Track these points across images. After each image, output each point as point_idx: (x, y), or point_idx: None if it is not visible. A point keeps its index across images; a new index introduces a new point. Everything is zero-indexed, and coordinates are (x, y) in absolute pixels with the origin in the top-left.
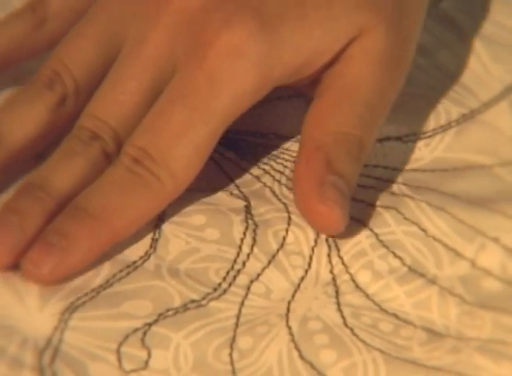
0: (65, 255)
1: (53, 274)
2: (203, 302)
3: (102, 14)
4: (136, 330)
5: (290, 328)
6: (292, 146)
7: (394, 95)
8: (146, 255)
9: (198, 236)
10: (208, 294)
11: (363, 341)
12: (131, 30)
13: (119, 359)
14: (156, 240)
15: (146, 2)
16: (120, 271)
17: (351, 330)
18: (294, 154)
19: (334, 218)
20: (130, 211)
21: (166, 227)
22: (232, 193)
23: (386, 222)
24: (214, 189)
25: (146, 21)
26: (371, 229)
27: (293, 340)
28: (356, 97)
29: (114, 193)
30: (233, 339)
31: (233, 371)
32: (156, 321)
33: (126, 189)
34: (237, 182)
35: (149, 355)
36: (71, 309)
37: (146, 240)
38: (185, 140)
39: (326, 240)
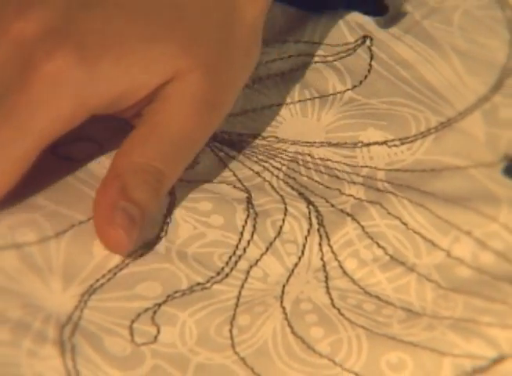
0: None
1: None
2: (208, 285)
3: None
4: (147, 309)
5: (284, 308)
6: (289, 147)
7: (205, 135)
8: (158, 238)
9: (204, 222)
10: (212, 277)
11: (348, 320)
12: None
13: (131, 334)
14: (168, 223)
15: None
16: (135, 251)
17: (338, 310)
18: (290, 154)
19: (118, 241)
20: None
21: (177, 212)
22: (235, 186)
23: (371, 216)
24: (220, 183)
25: None
26: (358, 222)
27: (286, 318)
28: (164, 134)
29: None
30: (233, 317)
31: (233, 345)
32: (165, 302)
33: None
34: (240, 176)
35: (158, 331)
36: (90, 291)
37: (158, 224)
38: (3, 155)
39: (318, 230)
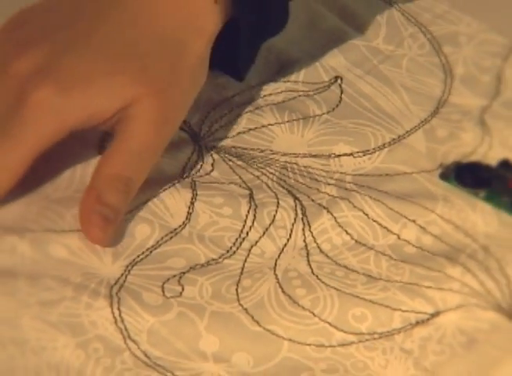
0: None
1: None
2: (220, 260)
3: None
4: (175, 276)
5: (276, 275)
6: (280, 158)
7: (162, 146)
8: (183, 224)
9: (218, 212)
10: (223, 254)
11: (324, 283)
12: None
13: (163, 291)
14: (191, 213)
15: None
16: (166, 235)
17: (316, 276)
18: (281, 163)
19: (95, 237)
20: None
21: (197, 205)
22: (240, 186)
23: (341, 209)
24: (229, 183)
25: None
26: (331, 213)
27: (278, 282)
28: (128, 148)
29: None
30: (239, 281)
31: (238, 299)
32: (187, 271)
33: None
34: (244, 179)
35: (183, 289)
36: (133, 264)
37: (184, 213)
38: (3, 163)
39: (302, 219)
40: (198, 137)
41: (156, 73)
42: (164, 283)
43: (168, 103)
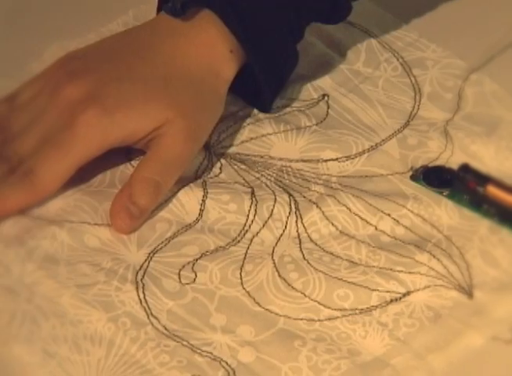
0: None
1: None
2: (227, 247)
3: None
4: (189, 262)
5: (273, 260)
6: (277, 162)
7: (188, 158)
8: (196, 220)
9: (225, 208)
10: (229, 243)
11: (313, 267)
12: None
13: (179, 277)
14: (203, 210)
15: (52, 97)
16: (182, 228)
17: (307, 261)
18: (278, 166)
19: (119, 228)
20: (17, 199)
21: (208, 202)
22: (244, 185)
23: (328, 204)
24: (234, 183)
25: (49, 101)
26: (320, 208)
27: (275, 267)
28: (160, 158)
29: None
30: (242, 265)
31: (241, 283)
32: (200, 258)
33: (14, 184)
34: (247, 179)
35: (196, 275)
36: (154, 251)
37: (197, 210)
38: (53, 165)
39: (295, 212)
40: (208, 145)
41: (183, 101)
42: (180, 271)
43: (193, 124)
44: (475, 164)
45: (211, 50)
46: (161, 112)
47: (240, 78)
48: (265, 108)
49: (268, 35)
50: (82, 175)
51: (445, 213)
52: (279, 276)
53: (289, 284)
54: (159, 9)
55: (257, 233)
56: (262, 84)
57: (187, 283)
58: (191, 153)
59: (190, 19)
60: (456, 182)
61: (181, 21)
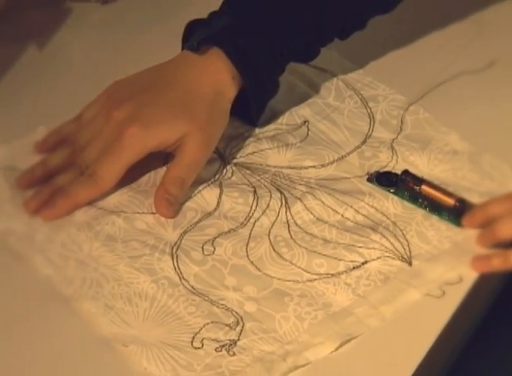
0: (55, 209)
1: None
2: (236, 229)
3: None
4: (210, 240)
5: (269, 239)
6: (271, 169)
7: (203, 161)
8: (215, 209)
9: (235, 201)
10: (238, 226)
11: (298, 244)
12: (103, 126)
13: (202, 250)
14: (219, 202)
15: (105, 120)
16: (204, 215)
17: (294, 240)
18: (272, 172)
19: (163, 213)
20: (81, 195)
21: (223, 197)
22: (248, 185)
23: (308, 199)
24: (241, 184)
25: (105, 122)
26: (302, 202)
27: (270, 244)
28: (184, 161)
29: (77, 186)
30: (247, 242)
31: (247, 255)
32: (217, 237)
33: (83, 183)
34: (251, 181)
35: (214, 249)
36: (185, 232)
37: (215, 203)
38: (109, 167)
39: (285, 205)
40: (223, 157)
41: (199, 118)
42: (203, 245)
43: (207, 135)
44: (413, 170)
45: (218, 77)
46: (183, 126)
47: (237, 103)
48: (254, 123)
49: (260, 69)
50: (133, 177)
51: (391, 205)
52: (274, 250)
53: (281, 256)
54: (182, 48)
55: (258, 219)
56: (252, 104)
57: (208, 255)
58: (206, 156)
59: (203, 55)
60: (400, 183)
61: (197, 56)
